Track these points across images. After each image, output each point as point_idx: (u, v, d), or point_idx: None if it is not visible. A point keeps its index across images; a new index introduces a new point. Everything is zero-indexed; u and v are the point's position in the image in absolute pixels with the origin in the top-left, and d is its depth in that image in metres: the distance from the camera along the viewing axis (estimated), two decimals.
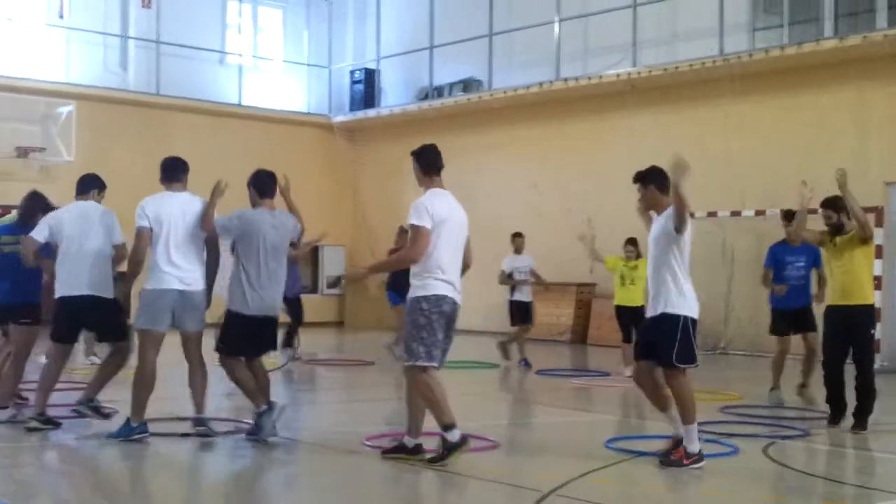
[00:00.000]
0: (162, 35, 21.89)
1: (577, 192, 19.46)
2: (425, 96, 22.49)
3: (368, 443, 7.80)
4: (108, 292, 8.24)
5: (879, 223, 14.74)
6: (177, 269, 7.82)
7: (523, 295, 14.69)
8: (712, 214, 16.84)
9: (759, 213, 16.50)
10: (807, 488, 7.04)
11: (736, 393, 11.47)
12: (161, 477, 7.14)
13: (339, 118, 24.11)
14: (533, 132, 20.67)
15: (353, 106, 23.87)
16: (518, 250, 14.89)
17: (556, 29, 19.85)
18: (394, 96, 23.68)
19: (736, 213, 16.99)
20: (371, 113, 23.41)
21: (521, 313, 14.67)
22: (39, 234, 8.28)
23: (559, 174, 20.04)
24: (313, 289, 23.74)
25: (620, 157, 18.90)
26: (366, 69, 23.87)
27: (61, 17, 20.93)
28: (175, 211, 7.95)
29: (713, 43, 17.31)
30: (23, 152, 19.55)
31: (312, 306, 22.65)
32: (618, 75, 18.60)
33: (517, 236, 14.98)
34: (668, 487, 6.87)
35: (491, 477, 6.86)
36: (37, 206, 8.92)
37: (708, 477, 7.05)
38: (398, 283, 12.82)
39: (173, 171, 8.25)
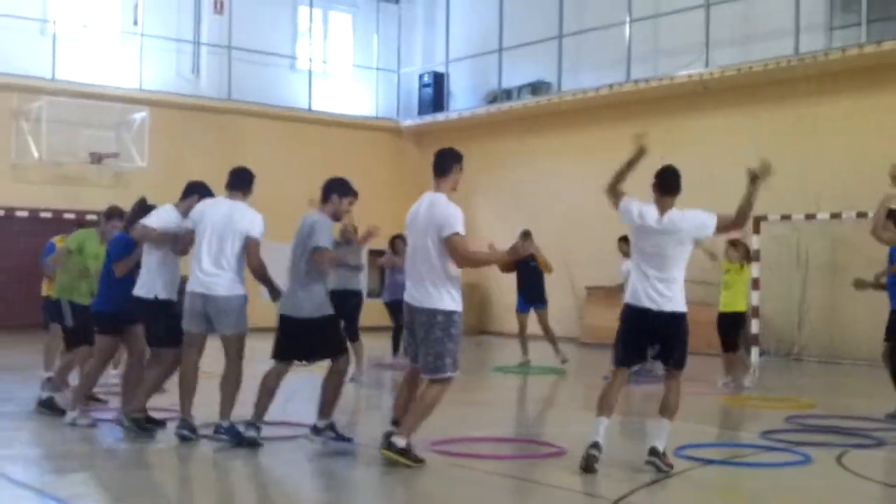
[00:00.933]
0: (234, 41, 22.13)
1: (649, 195, 19.18)
2: (494, 99, 22.41)
3: (435, 447, 7.73)
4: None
5: None
6: (202, 274, 7.89)
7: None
8: (786, 217, 16.48)
9: (835, 216, 16.10)
10: (886, 499, 6.82)
11: (809, 400, 11.17)
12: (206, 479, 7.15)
13: (408, 122, 24.14)
14: (603, 135, 20.42)
15: (422, 110, 23.89)
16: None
17: (627, 30, 19.64)
18: (462, 100, 23.64)
19: (811, 216, 16.60)
20: (440, 117, 23.40)
21: None
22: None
23: (630, 177, 19.76)
24: (378, 293, 23.72)
25: (693, 159, 18.60)
26: (434, 73, 23.88)
27: (135, 23, 21.28)
28: (218, 217, 7.97)
29: (788, 42, 16.97)
30: (97, 158, 19.90)
31: (383, 310, 22.73)
32: (690, 76, 18.34)
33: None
34: (738, 497, 6.70)
35: (557, 484, 6.75)
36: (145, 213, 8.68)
37: (779, 485, 6.86)
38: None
39: (233, 180, 8.26)
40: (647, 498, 6.43)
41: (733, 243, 12.57)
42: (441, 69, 23.89)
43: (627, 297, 7.35)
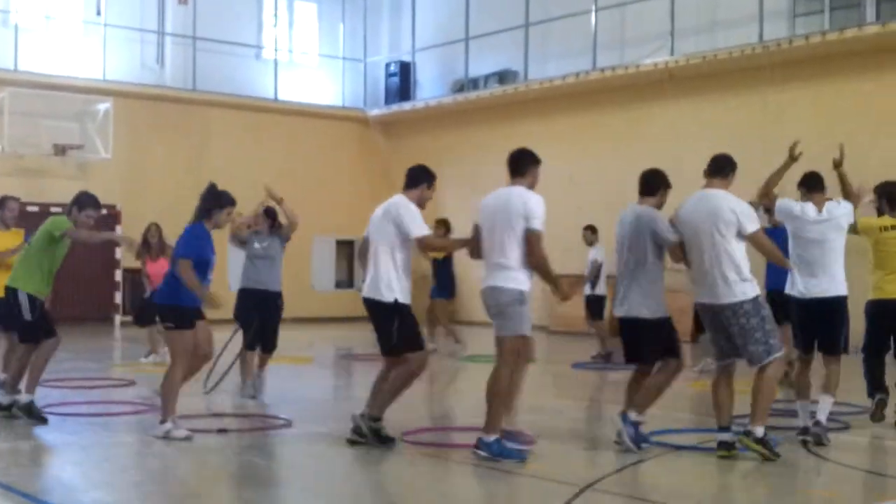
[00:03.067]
0: (198, 31, 21.96)
1: (615, 184, 19.25)
2: (461, 88, 22.40)
3: (407, 438, 7.73)
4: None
5: None
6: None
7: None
8: (752, 204, 16.57)
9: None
10: (852, 481, 6.90)
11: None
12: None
13: (375, 112, 24.07)
14: (570, 123, 20.50)
15: (389, 99, 23.83)
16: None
17: (593, 18, 19.68)
18: (429, 89, 23.60)
19: None
20: (406, 106, 23.35)
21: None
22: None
23: (596, 165, 19.85)
24: (349, 283, 23.75)
25: (659, 146, 18.70)
26: (401, 62, 23.82)
27: (98, 13, 21.07)
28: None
29: (752, 30, 17.07)
30: (60, 150, 19.70)
31: (346, 300, 22.72)
32: (655, 64, 18.41)
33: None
34: (707, 481, 6.75)
35: (527, 472, 6.77)
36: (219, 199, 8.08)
37: (749, 470, 6.92)
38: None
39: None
40: (616, 484, 6.47)
41: None
42: (407, 58, 23.83)
43: (788, 288, 8.08)
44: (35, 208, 18.43)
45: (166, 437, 7.60)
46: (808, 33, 16.69)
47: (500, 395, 7.02)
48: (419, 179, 7.78)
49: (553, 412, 9.52)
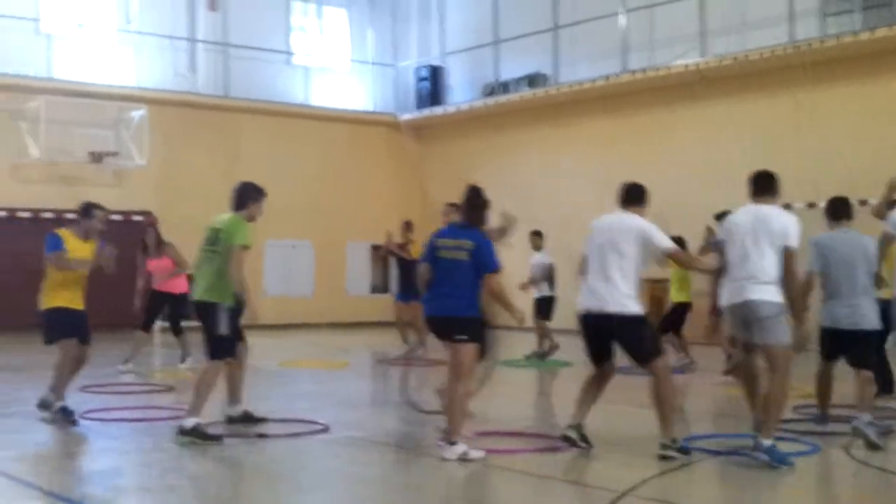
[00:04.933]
0: (229, 38, 22.14)
1: (647, 186, 19.24)
2: (491, 92, 22.43)
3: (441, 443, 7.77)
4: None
5: None
6: None
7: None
8: (787, 206, 16.50)
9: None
10: (892, 486, 6.87)
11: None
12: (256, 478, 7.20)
13: (406, 116, 24.15)
14: (600, 126, 20.49)
15: (420, 103, 23.91)
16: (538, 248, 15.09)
17: (623, 20, 19.67)
18: (460, 93, 23.66)
19: (811, 205, 16.64)
20: (437, 110, 23.42)
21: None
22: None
23: (628, 168, 19.75)
24: (384, 288, 23.81)
25: (690, 148, 18.70)
26: (431, 66, 23.89)
27: (129, 21, 21.27)
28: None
29: (783, 30, 17.02)
30: (96, 157, 19.92)
31: (381, 306, 22.82)
32: (686, 66, 18.37)
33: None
34: (746, 487, 6.74)
35: (565, 477, 6.80)
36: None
37: (788, 476, 6.91)
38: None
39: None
40: (656, 489, 6.47)
41: None
42: (438, 62, 23.89)
43: None
44: (72, 215, 18.59)
45: (463, 459, 7.14)
46: (840, 33, 16.60)
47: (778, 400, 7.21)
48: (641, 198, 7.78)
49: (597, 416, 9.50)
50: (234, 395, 8.84)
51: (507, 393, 11.55)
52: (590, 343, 7.60)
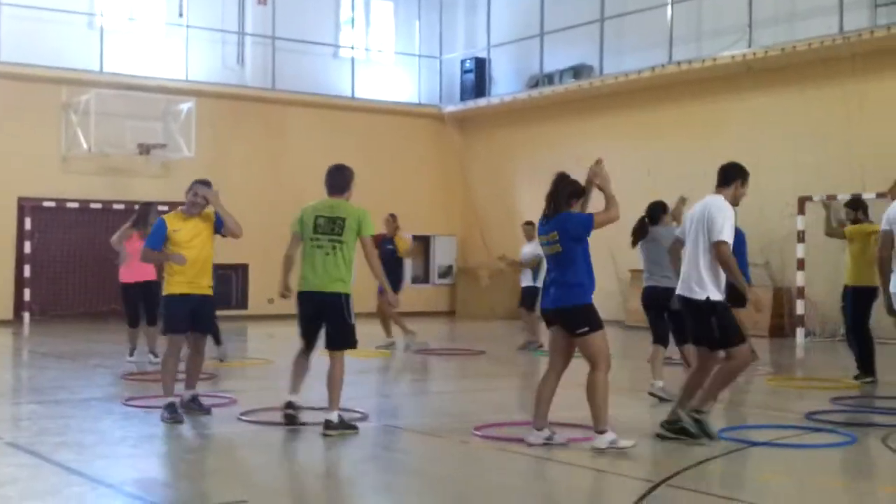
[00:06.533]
0: (277, 31, 22.30)
1: (693, 178, 19.06)
2: (536, 84, 22.39)
3: (478, 432, 7.81)
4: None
5: None
6: None
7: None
8: (832, 197, 16.35)
9: (881, 195, 15.92)
10: None
11: (854, 381, 11.10)
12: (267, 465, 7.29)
13: (450, 108, 24.18)
14: (646, 117, 20.37)
15: (464, 95, 23.92)
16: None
17: (669, 11, 19.53)
18: (504, 85, 23.64)
19: (857, 196, 16.45)
20: (482, 102, 23.42)
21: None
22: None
23: (674, 159, 19.70)
24: (425, 278, 23.90)
25: (737, 140, 18.50)
26: (476, 58, 23.89)
27: (181, 15, 21.51)
28: None
29: (832, 20, 16.79)
30: (145, 149, 20.17)
31: (424, 296, 22.92)
32: (733, 57, 18.20)
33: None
34: (784, 477, 6.71)
35: (599, 467, 6.81)
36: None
37: (826, 466, 6.87)
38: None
39: None
40: (692, 480, 6.46)
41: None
42: (483, 54, 23.89)
43: None
44: (121, 206, 18.95)
45: (612, 447, 7.11)
46: (890, 23, 16.35)
47: None
48: (732, 177, 7.75)
49: (627, 406, 9.51)
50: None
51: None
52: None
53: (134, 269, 12.32)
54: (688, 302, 7.48)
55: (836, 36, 16.63)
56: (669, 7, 19.49)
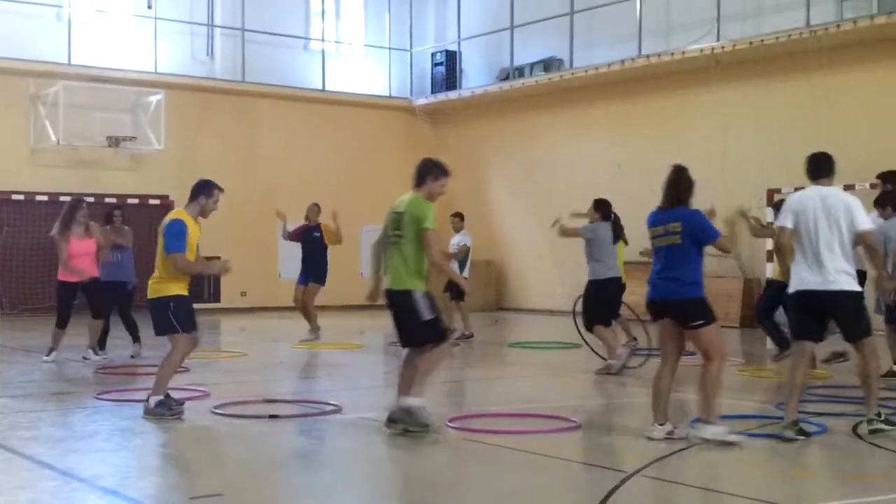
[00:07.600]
0: (246, 23, 22.22)
1: (661, 171, 19.17)
2: (506, 77, 22.45)
3: (451, 424, 7.86)
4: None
5: None
6: None
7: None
8: (800, 189, 16.49)
9: (848, 187, 16.10)
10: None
11: (825, 371, 11.23)
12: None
13: (421, 101, 24.20)
14: (615, 110, 20.50)
15: (435, 88, 23.95)
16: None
17: (638, 5, 19.64)
18: (475, 77, 23.69)
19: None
20: (452, 95, 23.46)
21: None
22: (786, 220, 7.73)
23: (642, 153, 19.83)
24: None
25: (705, 133, 18.67)
26: (447, 51, 23.92)
27: (149, 7, 21.40)
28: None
29: (799, 14, 16.96)
30: (114, 141, 20.08)
31: None
32: (701, 50, 18.34)
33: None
34: (756, 467, 6.80)
35: (573, 458, 6.87)
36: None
37: (796, 456, 6.97)
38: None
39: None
40: (661, 470, 6.54)
41: None
42: (453, 47, 23.92)
43: None
44: (91, 199, 18.79)
45: (716, 438, 7.07)
46: (856, 17, 16.55)
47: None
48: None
49: (599, 398, 9.60)
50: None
51: (520, 374, 11.61)
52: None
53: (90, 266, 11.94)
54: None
55: (802, 30, 16.80)
56: (638, 1, 19.59)
